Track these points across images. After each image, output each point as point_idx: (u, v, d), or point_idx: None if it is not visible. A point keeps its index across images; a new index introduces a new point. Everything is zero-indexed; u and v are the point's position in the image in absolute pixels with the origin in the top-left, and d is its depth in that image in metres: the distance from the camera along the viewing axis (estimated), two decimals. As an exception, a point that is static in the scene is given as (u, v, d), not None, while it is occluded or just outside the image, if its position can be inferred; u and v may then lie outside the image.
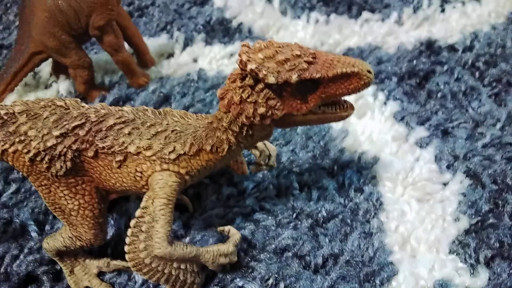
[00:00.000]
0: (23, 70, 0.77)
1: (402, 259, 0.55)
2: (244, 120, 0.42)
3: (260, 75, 0.39)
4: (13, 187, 0.64)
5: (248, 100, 0.41)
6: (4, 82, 0.77)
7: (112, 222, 0.60)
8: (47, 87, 0.84)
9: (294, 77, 0.39)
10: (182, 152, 0.45)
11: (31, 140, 0.43)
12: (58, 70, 0.84)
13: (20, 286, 0.54)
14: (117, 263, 0.54)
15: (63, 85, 0.82)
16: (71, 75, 0.77)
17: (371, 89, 0.76)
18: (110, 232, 0.58)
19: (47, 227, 0.60)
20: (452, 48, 0.84)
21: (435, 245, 0.56)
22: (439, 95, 0.74)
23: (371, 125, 0.70)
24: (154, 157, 0.45)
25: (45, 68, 0.85)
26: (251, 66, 0.39)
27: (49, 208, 0.48)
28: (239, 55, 0.40)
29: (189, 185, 0.48)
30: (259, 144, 0.57)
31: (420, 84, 0.77)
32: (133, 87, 0.81)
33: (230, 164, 0.61)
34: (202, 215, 0.60)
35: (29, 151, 0.43)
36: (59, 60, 0.76)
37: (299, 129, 0.71)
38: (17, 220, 0.60)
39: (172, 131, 0.45)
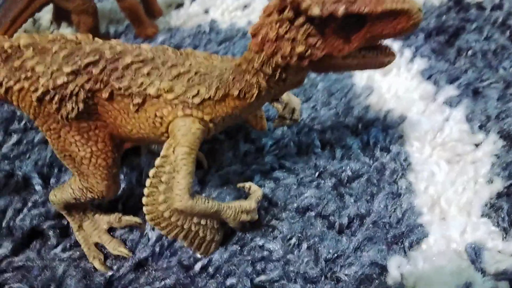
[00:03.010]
0: (23, 16, 0.71)
1: (432, 221, 0.52)
2: (279, 60, 0.38)
3: (303, 6, 0.34)
4: (14, 138, 0.60)
5: (286, 36, 0.36)
6: (2, 28, 0.72)
7: (122, 176, 0.56)
8: (47, 35, 0.78)
9: (341, 10, 0.34)
10: (207, 96, 0.41)
11: (39, 76, 0.39)
12: (60, 17, 0.78)
13: (24, 241, 0.51)
14: (129, 218, 0.51)
15: (64, 33, 0.76)
16: (74, 22, 0.72)
17: (396, 44, 0.71)
18: (121, 186, 0.54)
19: (52, 180, 0.56)
20: (480, 6, 0.79)
21: (466, 207, 0.53)
22: (469, 53, 0.70)
23: (397, 83, 0.66)
24: (176, 101, 0.40)
25: (46, 15, 0.79)
26: None
27: (58, 156, 0.43)
28: None
29: (211, 135, 0.44)
30: (284, 96, 0.53)
31: (449, 41, 0.72)
32: (141, 38, 0.76)
33: (248, 119, 0.56)
34: (218, 172, 0.57)
35: (36, 89, 0.39)
36: (61, 4, 0.70)
37: (320, 85, 0.66)
38: (19, 173, 0.56)
39: (196, 73, 0.41)
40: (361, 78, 0.67)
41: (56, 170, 0.57)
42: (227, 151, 0.59)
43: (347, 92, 0.65)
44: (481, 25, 0.74)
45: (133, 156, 0.57)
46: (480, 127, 0.60)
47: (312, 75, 0.67)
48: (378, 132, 0.60)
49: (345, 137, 0.60)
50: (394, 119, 0.62)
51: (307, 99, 0.65)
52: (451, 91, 0.64)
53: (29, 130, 0.61)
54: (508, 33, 0.74)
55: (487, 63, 0.69)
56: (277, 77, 0.39)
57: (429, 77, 0.67)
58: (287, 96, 0.53)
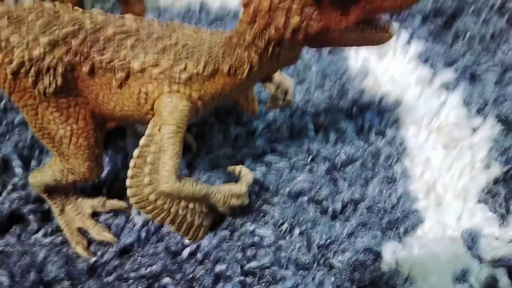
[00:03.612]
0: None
1: (427, 207, 0.50)
2: (273, 32, 0.35)
3: None
4: (-6, 118, 0.57)
5: (280, 6, 0.34)
6: (-19, 3, 0.68)
7: (107, 159, 0.53)
8: (30, 13, 0.75)
9: (339, -22, 0.32)
10: (195, 71, 0.38)
11: (14, 47, 0.36)
12: (43, -7, 0.74)
13: (4, 226, 0.49)
14: (114, 202, 0.49)
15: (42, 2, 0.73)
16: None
17: (393, 27, 0.69)
18: (105, 169, 0.52)
19: (33, 163, 0.53)
20: (478, -11, 0.77)
21: (462, 193, 0.51)
22: (466, 36, 0.68)
23: (393, 66, 0.64)
24: (162, 76, 0.38)
25: (28, -9, 0.76)
26: None
27: (36, 135, 0.41)
28: None
29: (200, 115, 0.41)
30: (276, 76, 0.51)
31: (446, 24, 0.70)
32: (128, 17, 0.73)
33: (238, 100, 0.54)
34: (207, 155, 0.55)
35: (11, 61, 0.36)
36: (43, -21, 0.66)
37: (314, 66, 0.64)
38: (-1, 155, 0.53)
39: (183, 46, 0.38)
40: (356, 60, 0.65)
41: (37, 152, 0.54)
42: (217, 134, 0.57)
43: (341, 75, 0.63)
44: (479, 7, 0.72)
45: (119, 138, 0.55)
46: (478, 111, 0.58)
47: (306, 56, 0.65)
48: (373, 116, 0.58)
49: (339, 120, 0.58)
50: (389, 103, 0.60)
51: (301, 81, 0.62)
52: (448, 74, 0.63)
53: (9, 111, 0.57)
54: (506, 16, 0.72)
55: (484, 47, 0.67)
56: (270, 52, 0.37)
57: (425, 60, 0.65)
58: (279, 76, 0.51)
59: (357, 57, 0.65)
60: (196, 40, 0.39)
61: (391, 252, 0.46)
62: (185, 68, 0.38)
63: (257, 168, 0.53)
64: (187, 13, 0.73)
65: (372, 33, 0.38)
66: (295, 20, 0.34)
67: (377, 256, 0.46)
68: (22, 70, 0.36)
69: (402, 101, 0.60)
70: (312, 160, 0.54)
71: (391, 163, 0.54)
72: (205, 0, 0.76)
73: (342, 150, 0.54)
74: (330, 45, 0.38)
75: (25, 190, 0.50)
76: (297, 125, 0.58)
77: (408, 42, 0.67)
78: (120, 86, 0.38)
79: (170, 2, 0.77)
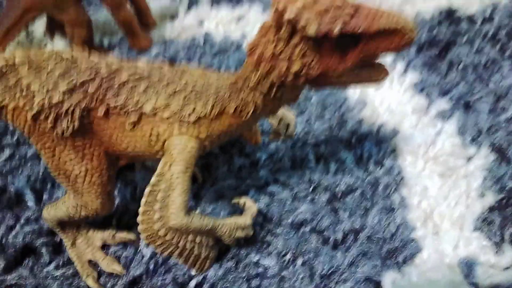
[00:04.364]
0: (16, 27, 0.71)
1: (425, 236, 0.52)
2: (275, 78, 0.38)
3: (300, 25, 0.34)
4: (7, 152, 0.59)
5: (281, 56, 0.37)
6: (-6, 40, 0.71)
7: (116, 192, 0.55)
8: (41, 47, 0.78)
9: (336, 29, 0.35)
10: (202, 114, 0.41)
11: (34, 95, 0.38)
12: (53, 28, 0.77)
13: (17, 259, 0.50)
14: (123, 235, 0.50)
15: (58, 46, 0.76)
16: (68, 34, 0.71)
17: (388, 58, 0.72)
18: (115, 202, 0.54)
19: (45, 196, 0.55)
20: (471, 20, 0.80)
21: (459, 222, 0.53)
22: (460, 66, 0.71)
23: (389, 96, 0.67)
24: (172, 119, 0.40)
25: (39, 27, 0.79)
26: (289, 15, 0.34)
27: (52, 173, 0.43)
28: (273, 4, 0.36)
29: (206, 151, 0.44)
30: (278, 111, 0.53)
31: (440, 54, 0.73)
32: (135, 50, 0.76)
33: (242, 133, 0.56)
34: (212, 187, 0.57)
35: (32, 107, 0.38)
36: (55, 16, 0.70)
37: (314, 98, 0.67)
38: (12, 189, 0.55)
39: (192, 91, 0.41)
40: (354, 91, 0.68)
41: (49, 186, 0.56)
42: (222, 165, 0.59)
43: (340, 106, 0.65)
44: (472, 38, 0.75)
45: (128, 171, 0.57)
46: (472, 141, 0.60)
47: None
48: (371, 146, 0.61)
49: (339, 151, 0.60)
50: (387, 132, 0.62)
51: (301, 112, 0.65)
52: (443, 104, 0.65)
53: (22, 145, 0.60)
54: (498, 46, 0.75)
55: (477, 76, 0.70)
56: (272, 94, 0.40)
57: (421, 90, 0.67)
58: (281, 111, 0.54)
59: (355, 88, 0.68)
60: (203, 84, 0.41)
61: (390, 282, 0.48)
62: (193, 111, 0.41)
63: (261, 199, 0.55)
64: (191, 46, 0.76)
65: (368, 74, 0.41)
66: (296, 66, 0.37)
67: (377, 285, 0.48)
68: (42, 116, 0.39)
69: (399, 131, 0.62)
70: (314, 190, 0.56)
71: (389, 193, 0.56)
72: (209, 33, 0.79)
73: (342, 181, 0.56)
74: (329, 86, 0.40)
75: (37, 224, 0.52)
76: (298, 155, 0.60)
77: (404, 72, 0.70)
78: (133, 128, 0.41)
79: (176, 35, 0.80)
